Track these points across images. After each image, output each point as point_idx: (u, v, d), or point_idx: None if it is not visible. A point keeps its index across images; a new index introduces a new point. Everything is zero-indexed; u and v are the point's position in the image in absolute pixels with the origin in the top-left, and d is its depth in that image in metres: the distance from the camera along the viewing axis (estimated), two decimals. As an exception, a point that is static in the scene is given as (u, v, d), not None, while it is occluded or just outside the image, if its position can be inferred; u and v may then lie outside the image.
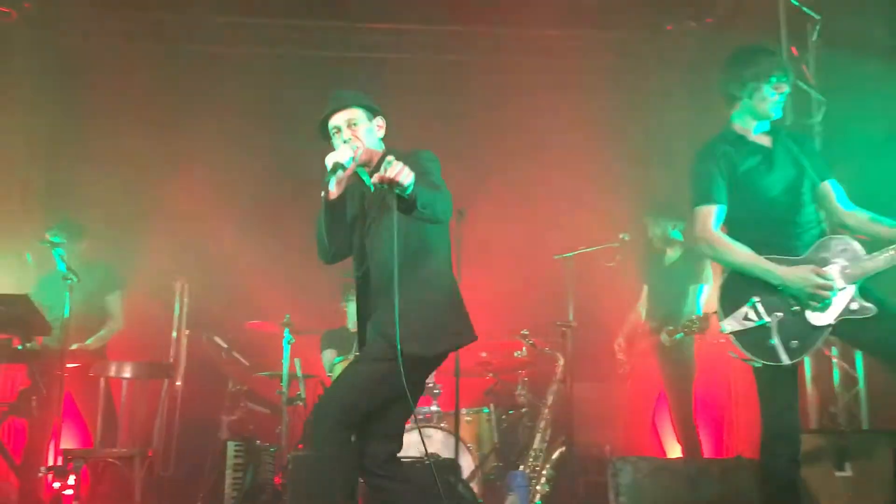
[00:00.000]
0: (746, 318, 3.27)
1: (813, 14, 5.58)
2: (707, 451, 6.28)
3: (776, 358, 3.22)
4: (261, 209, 7.07)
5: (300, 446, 5.55)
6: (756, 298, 3.27)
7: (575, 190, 7.02)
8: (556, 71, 7.42)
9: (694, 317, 5.26)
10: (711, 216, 3.38)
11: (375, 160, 3.37)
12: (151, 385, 5.70)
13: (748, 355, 3.25)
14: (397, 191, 2.99)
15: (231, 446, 5.61)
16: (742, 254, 3.32)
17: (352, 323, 6.41)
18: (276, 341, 5.89)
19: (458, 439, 4.75)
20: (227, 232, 6.71)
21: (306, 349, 6.20)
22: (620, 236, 5.76)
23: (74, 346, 5.43)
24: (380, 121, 3.49)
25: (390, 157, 3.01)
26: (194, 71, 7.27)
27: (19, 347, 5.01)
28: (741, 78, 3.44)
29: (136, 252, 6.73)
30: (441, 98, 7.44)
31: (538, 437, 5.50)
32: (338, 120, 3.41)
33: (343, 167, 3.23)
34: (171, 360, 5.99)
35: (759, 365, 3.26)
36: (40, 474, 5.00)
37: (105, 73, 7.15)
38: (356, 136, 3.37)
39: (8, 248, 7.15)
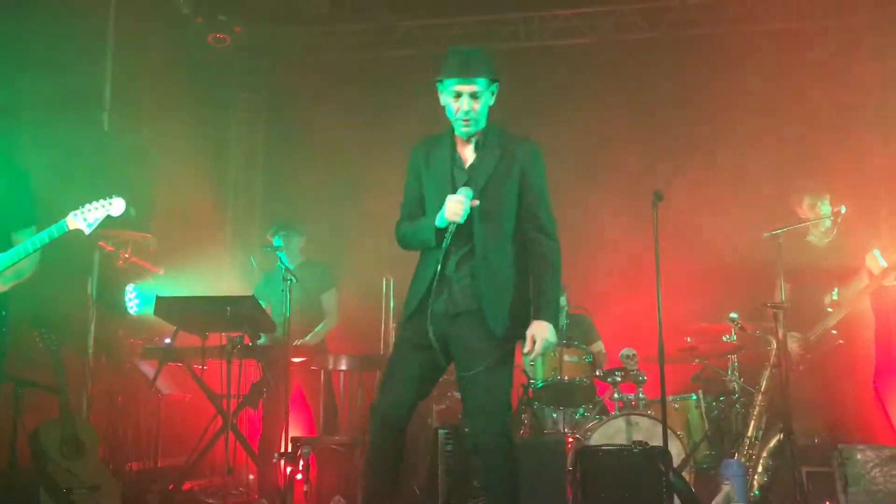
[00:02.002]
0: None
1: None
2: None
3: None
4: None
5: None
6: None
7: (784, 163, 6.64)
8: (750, 39, 7.02)
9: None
10: None
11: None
12: (366, 376, 6.03)
13: None
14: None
15: (442, 434, 5.79)
16: None
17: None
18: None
19: (665, 426, 4.63)
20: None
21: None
22: (837, 209, 5.41)
23: (298, 342, 5.80)
24: (495, 88, 3.46)
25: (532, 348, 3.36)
26: (391, 76, 7.58)
27: (249, 344, 5.43)
28: None
29: (346, 252, 7.15)
30: (635, 80, 7.31)
31: (752, 424, 5.25)
32: (463, 87, 3.39)
33: (459, 224, 3.31)
34: (382, 352, 6.28)
35: None
36: (274, 460, 5.37)
37: (312, 85, 7.66)
38: (475, 109, 3.38)
39: (235, 252, 7.88)
